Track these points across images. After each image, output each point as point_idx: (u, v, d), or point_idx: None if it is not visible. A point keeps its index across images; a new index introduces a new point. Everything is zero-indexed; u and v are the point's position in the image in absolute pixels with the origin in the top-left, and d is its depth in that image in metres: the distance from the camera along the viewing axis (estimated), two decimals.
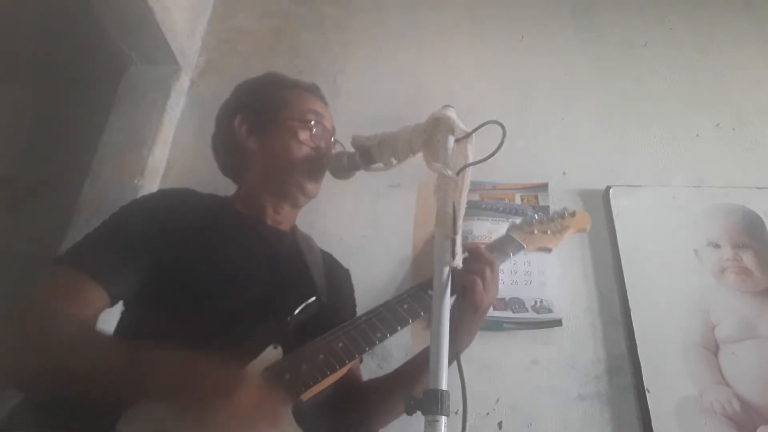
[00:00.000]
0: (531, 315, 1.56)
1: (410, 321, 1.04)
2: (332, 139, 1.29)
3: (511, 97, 2.01)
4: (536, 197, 1.78)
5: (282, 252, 1.18)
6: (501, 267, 1.14)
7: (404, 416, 0.80)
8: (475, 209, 1.71)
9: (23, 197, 2.03)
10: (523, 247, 1.24)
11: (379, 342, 1.00)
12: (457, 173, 0.96)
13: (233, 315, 1.00)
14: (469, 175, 1.00)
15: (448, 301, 0.86)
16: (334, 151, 1.28)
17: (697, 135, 1.95)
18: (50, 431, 0.86)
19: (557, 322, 1.56)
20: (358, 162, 1.16)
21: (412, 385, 1.09)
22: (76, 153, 1.86)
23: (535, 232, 1.31)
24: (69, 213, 1.67)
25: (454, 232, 0.92)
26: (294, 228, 1.31)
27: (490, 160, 0.97)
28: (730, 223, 1.71)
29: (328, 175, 1.26)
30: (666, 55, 2.13)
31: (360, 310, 1.37)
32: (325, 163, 1.24)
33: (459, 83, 2.03)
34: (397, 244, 1.70)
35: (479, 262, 1.07)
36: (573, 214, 1.39)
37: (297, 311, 1.03)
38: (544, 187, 1.79)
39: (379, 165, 1.15)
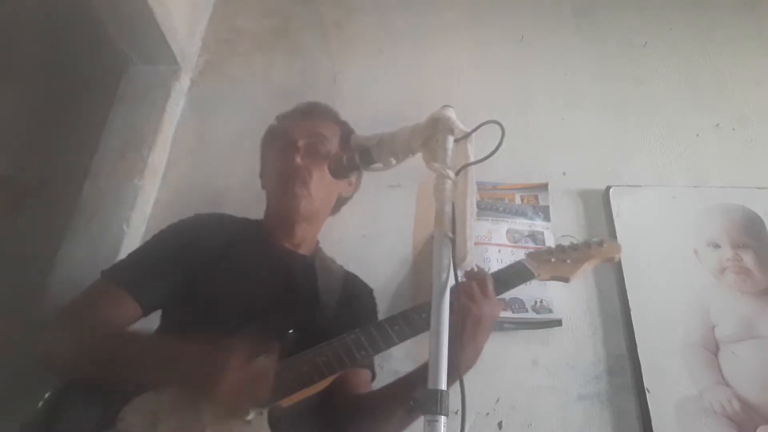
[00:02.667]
0: (531, 315, 1.56)
1: (397, 342, 1.08)
2: (295, 149, 1.31)
3: (511, 97, 2.01)
4: (536, 197, 1.78)
5: (294, 273, 1.27)
6: None
7: None
8: None
9: (23, 197, 2.03)
10: (534, 275, 1.20)
11: (362, 360, 1.06)
12: (457, 173, 0.96)
13: (236, 327, 1.07)
14: (474, 175, 1.00)
15: (447, 301, 0.85)
16: (307, 153, 1.31)
17: (697, 135, 1.95)
18: (70, 414, 1.00)
19: (557, 322, 1.56)
20: (357, 162, 1.15)
21: (404, 398, 1.08)
22: (76, 153, 1.86)
23: (553, 260, 1.25)
24: (69, 213, 1.67)
25: (454, 232, 0.92)
26: (316, 250, 1.38)
27: (490, 160, 0.97)
28: (730, 223, 1.71)
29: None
30: (666, 55, 2.13)
31: None
32: (307, 176, 1.28)
33: (459, 83, 2.03)
34: (397, 244, 1.70)
35: (468, 279, 1.11)
36: (600, 244, 1.31)
37: (293, 331, 1.09)
38: (544, 187, 1.79)
39: (379, 165, 1.15)
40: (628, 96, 2.03)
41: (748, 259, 1.65)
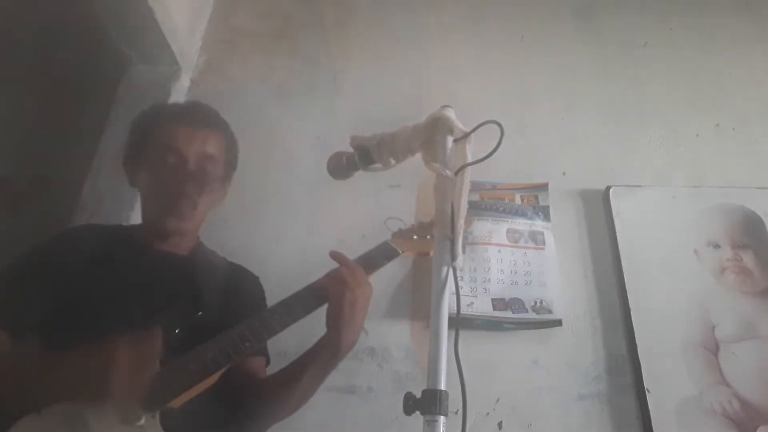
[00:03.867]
0: (531, 315, 1.55)
1: (279, 330, 1.09)
2: (213, 172, 1.28)
3: (511, 97, 2.01)
4: (536, 197, 1.78)
5: (171, 275, 1.23)
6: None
7: (403, 416, 0.80)
8: (475, 209, 1.71)
9: (23, 197, 2.03)
10: (398, 252, 1.26)
11: (247, 350, 1.07)
12: (456, 173, 0.96)
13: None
14: (469, 175, 1.00)
15: (447, 301, 0.86)
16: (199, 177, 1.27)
17: (697, 135, 1.95)
18: None
19: (557, 322, 1.56)
20: (356, 162, 1.16)
21: (310, 369, 1.13)
22: (76, 153, 1.86)
23: (415, 237, 1.33)
24: (69, 213, 1.67)
25: (453, 232, 0.92)
26: (195, 247, 1.33)
27: (490, 159, 0.97)
28: (730, 223, 1.71)
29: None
30: (666, 55, 2.13)
31: None
32: (194, 203, 1.25)
33: (459, 83, 2.03)
34: None
35: (337, 268, 1.14)
36: None
37: (177, 330, 1.09)
38: (544, 187, 1.79)
39: (378, 165, 1.15)
40: (628, 96, 2.03)
41: (748, 259, 1.65)
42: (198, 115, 1.36)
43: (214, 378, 1.04)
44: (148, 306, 1.15)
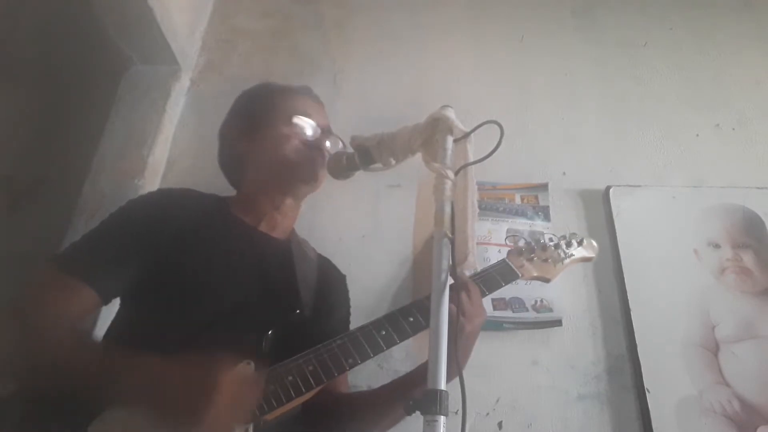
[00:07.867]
0: (531, 315, 1.55)
1: (384, 348, 1.04)
2: (323, 134, 1.28)
3: (511, 97, 2.01)
4: (536, 197, 1.78)
5: (270, 261, 1.20)
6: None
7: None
8: None
9: (23, 197, 2.03)
10: (518, 275, 1.21)
11: (350, 368, 1.02)
12: (456, 173, 0.96)
13: (213, 322, 1.02)
14: (474, 176, 1.00)
15: (447, 301, 0.85)
16: (330, 144, 1.28)
17: (697, 135, 1.95)
18: (30, 426, 0.91)
19: (557, 322, 1.56)
20: (357, 162, 1.15)
21: (402, 398, 1.08)
22: (76, 153, 1.86)
23: (535, 259, 1.26)
24: (69, 213, 1.67)
25: (453, 232, 0.92)
26: (291, 234, 1.32)
27: (490, 159, 0.98)
28: (730, 223, 1.71)
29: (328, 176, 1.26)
30: (666, 55, 2.13)
31: (358, 312, 1.37)
32: (319, 154, 1.25)
33: (459, 83, 2.03)
34: (397, 244, 1.70)
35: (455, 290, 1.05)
36: (580, 242, 1.33)
37: (272, 331, 1.05)
38: (544, 187, 1.79)
39: (378, 165, 1.15)
40: (628, 96, 2.03)
41: (748, 259, 1.65)
42: (317, 97, 1.38)
43: (311, 393, 0.98)
44: (245, 293, 1.09)
